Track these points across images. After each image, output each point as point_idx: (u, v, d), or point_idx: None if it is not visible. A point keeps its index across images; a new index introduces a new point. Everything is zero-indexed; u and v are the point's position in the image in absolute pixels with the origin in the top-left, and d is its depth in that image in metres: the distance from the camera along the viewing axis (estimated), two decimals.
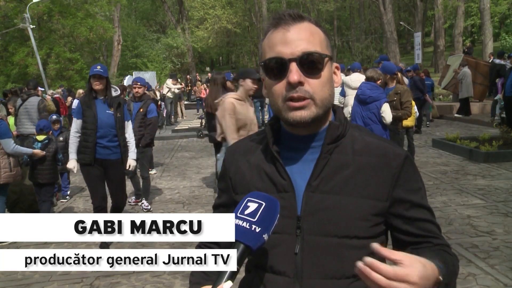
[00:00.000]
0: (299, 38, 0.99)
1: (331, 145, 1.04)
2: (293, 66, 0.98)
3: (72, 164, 4.41)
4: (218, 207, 1.21)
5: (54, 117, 6.78)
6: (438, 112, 13.48)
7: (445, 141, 8.72)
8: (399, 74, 6.09)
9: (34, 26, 20.38)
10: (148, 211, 5.91)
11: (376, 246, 0.84)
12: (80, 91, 12.57)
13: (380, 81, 5.46)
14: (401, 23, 32.54)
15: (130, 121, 4.66)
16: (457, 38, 22.76)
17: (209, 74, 26.18)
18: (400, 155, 1.06)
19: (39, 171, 5.37)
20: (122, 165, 4.57)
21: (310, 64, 0.99)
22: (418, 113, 7.76)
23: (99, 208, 4.50)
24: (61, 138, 6.57)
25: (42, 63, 20.08)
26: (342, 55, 36.12)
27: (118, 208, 4.70)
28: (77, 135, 4.42)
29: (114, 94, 4.45)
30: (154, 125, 6.06)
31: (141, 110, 5.93)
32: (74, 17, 23.69)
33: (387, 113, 5.13)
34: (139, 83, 6.07)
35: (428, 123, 12.26)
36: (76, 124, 4.43)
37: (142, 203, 6.03)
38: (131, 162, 4.64)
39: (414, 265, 0.82)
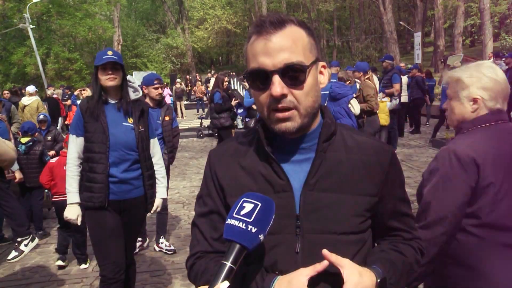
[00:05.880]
0: (281, 48, 0.96)
1: (325, 144, 1.06)
2: (276, 79, 0.96)
3: (72, 212, 2.74)
4: (207, 215, 1.13)
5: (41, 116, 6.56)
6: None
7: (445, 141, 8.72)
8: (370, 73, 7.23)
9: (34, 26, 20.39)
10: (174, 252, 4.49)
11: (326, 252, 0.95)
12: (85, 92, 8.71)
13: (349, 82, 6.58)
14: (401, 23, 32.51)
15: (156, 139, 3.05)
16: (457, 38, 22.71)
17: (209, 74, 26.23)
18: (388, 152, 1.12)
19: (27, 174, 5.15)
20: (145, 205, 2.92)
21: (293, 75, 0.97)
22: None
23: (112, 281, 2.72)
24: (49, 138, 6.43)
25: (41, 63, 20.07)
26: (342, 55, 36.14)
27: (127, 265, 2.95)
28: (77, 162, 2.76)
29: (133, 95, 2.90)
30: (178, 137, 4.73)
31: (167, 118, 4.38)
32: (73, 17, 23.69)
33: (354, 106, 6.00)
34: (160, 81, 4.39)
35: (427, 122, 12.29)
36: (75, 144, 2.75)
37: (161, 243, 4.55)
38: (159, 202, 2.97)
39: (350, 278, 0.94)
